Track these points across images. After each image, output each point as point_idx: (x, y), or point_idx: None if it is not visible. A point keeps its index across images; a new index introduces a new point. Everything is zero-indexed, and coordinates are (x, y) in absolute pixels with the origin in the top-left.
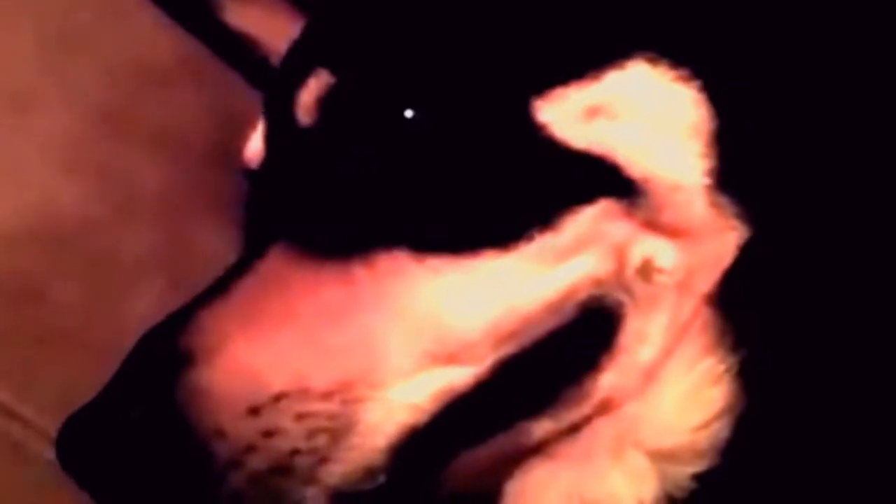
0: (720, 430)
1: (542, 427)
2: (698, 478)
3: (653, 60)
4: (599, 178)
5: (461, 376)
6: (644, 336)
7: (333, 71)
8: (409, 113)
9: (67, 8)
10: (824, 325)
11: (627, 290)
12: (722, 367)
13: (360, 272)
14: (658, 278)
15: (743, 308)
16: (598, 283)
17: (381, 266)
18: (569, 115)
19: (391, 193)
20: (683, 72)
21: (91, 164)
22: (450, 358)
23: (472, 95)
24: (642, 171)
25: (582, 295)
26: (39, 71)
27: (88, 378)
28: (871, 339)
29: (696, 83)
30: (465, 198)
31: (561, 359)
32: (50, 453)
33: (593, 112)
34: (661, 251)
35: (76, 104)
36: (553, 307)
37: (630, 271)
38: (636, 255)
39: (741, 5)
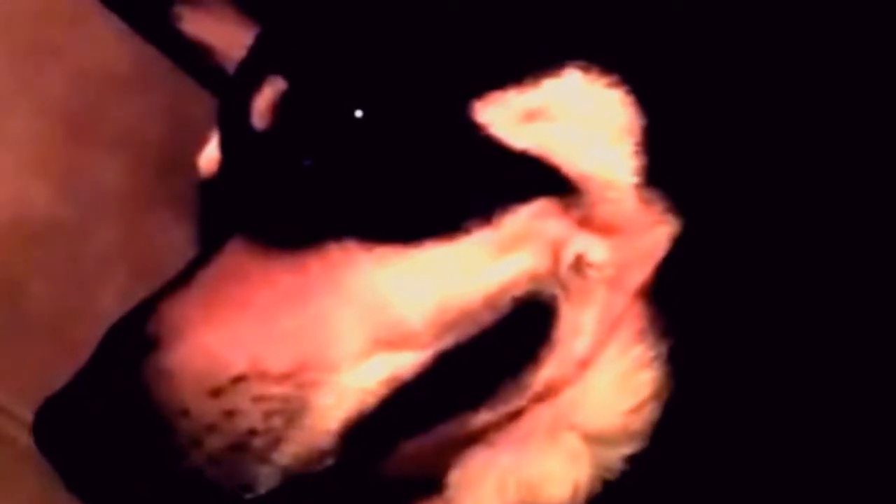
0: (651, 413)
1: (481, 418)
2: (630, 459)
3: (585, 68)
4: (537, 178)
5: (406, 362)
6: (579, 328)
7: (286, 77)
8: (358, 113)
9: (36, 20)
10: (748, 312)
11: (562, 284)
12: (652, 354)
13: (312, 262)
14: (590, 273)
15: (673, 298)
16: (534, 277)
17: (332, 256)
18: (508, 117)
19: (341, 188)
20: (613, 77)
21: (59, 165)
22: (396, 343)
23: (415, 96)
24: (577, 171)
25: (518, 289)
26: (11, 79)
27: (60, 365)
28: (792, 326)
29: (626, 87)
30: (409, 191)
31: (500, 353)
32: (25, 438)
33: (532, 115)
34: (593, 247)
35: (44, 109)
36: (491, 300)
37: (564, 267)
38: (570, 252)
39: (665, 18)
